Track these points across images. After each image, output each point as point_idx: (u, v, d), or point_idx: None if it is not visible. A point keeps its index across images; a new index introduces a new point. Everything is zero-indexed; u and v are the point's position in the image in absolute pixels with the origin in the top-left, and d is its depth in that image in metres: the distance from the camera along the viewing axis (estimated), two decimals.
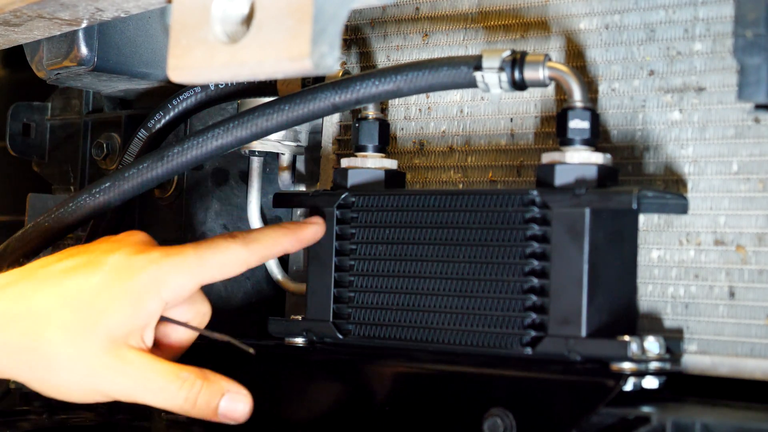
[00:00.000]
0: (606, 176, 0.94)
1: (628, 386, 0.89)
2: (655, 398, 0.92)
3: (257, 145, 1.17)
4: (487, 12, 1.08)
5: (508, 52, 0.94)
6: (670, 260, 0.97)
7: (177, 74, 0.89)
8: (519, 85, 0.95)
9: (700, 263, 0.96)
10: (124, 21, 1.20)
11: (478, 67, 0.94)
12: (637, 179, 0.99)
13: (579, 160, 0.94)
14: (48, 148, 1.39)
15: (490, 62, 0.94)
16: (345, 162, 1.07)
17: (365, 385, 1.01)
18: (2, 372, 0.97)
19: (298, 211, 1.20)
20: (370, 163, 1.06)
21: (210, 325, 1.01)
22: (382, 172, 1.06)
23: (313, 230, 1.03)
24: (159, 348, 0.99)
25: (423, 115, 1.12)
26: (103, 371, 0.94)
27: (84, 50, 1.19)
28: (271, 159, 1.22)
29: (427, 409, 0.97)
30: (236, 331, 1.16)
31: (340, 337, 1.04)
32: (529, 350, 0.94)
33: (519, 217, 0.95)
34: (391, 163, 1.07)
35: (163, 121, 1.19)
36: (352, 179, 1.06)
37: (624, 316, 0.94)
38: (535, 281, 0.94)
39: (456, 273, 0.98)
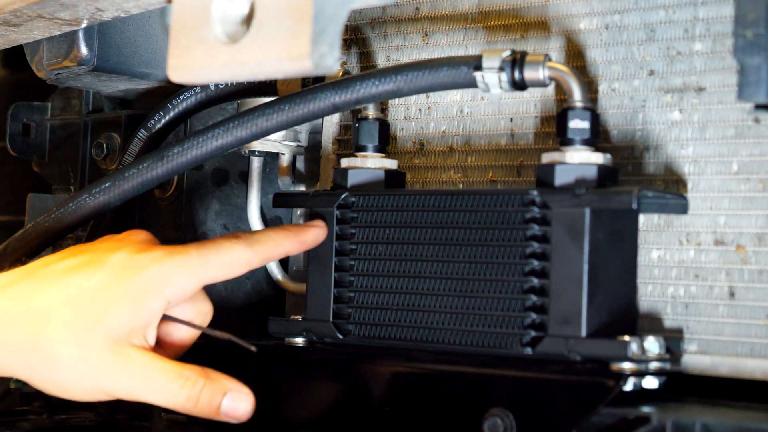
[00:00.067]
0: (606, 176, 0.94)
1: (628, 386, 0.89)
2: (655, 398, 0.92)
3: (257, 145, 1.17)
4: (487, 12, 1.08)
5: (508, 52, 0.94)
6: (670, 260, 0.97)
7: (177, 74, 0.89)
8: (519, 85, 0.95)
9: (700, 263, 0.96)
10: (124, 21, 1.20)
11: (478, 67, 0.94)
12: (637, 179, 0.99)
13: (579, 160, 0.94)
14: (48, 148, 1.39)
15: (490, 62, 0.94)
16: (345, 162, 1.07)
17: (365, 385, 1.01)
18: (5, 370, 0.97)
19: (298, 211, 1.20)
20: (370, 163, 1.06)
21: (211, 325, 1.01)
22: (382, 172, 1.06)
23: (315, 233, 1.03)
24: (161, 347, 1.00)
25: (423, 115, 1.12)
26: (106, 370, 0.94)
27: (84, 50, 1.19)
28: (271, 159, 1.22)
29: (427, 409, 0.97)
30: (237, 331, 1.17)
31: (340, 337, 1.04)
32: (529, 350, 0.94)
33: (519, 217, 0.95)
34: (391, 163, 1.07)
35: (163, 121, 1.19)
36: (352, 179, 1.06)
37: (624, 316, 0.94)
38: (535, 281, 0.94)
39: (456, 273, 0.98)
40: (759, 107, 0.91)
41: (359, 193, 1.04)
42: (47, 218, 1.10)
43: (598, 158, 0.95)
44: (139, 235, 0.99)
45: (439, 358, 0.98)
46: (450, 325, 0.98)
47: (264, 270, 1.22)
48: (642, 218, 0.97)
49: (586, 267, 0.92)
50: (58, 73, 1.22)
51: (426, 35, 1.11)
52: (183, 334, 1.01)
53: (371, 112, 1.07)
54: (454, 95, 1.10)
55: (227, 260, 0.98)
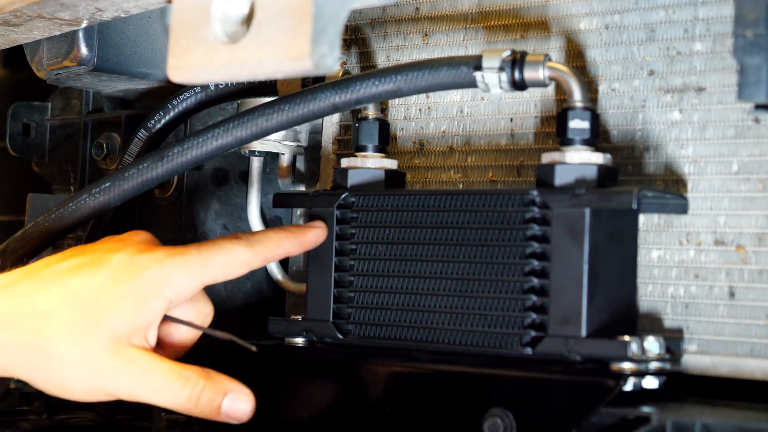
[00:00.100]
0: (606, 176, 0.94)
1: (628, 386, 0.89)
2: (655, 398, 0.92)
3: (257, 145, 1.17)
4: (487, 12, 1.08)
5: (508, 52, 0.94)
6: (670, 260, 0.97)
7: (177, 74, 0.89)
8: (519, 85, 0.95)
9: (700, 263, 0.96)
10: (124, 21, 1.20)
11: (478, 67, 0.94)
12: (637, 179, 0.99)
13: (579, 160, 0.94)
14: (48, 148, 1.39)
15: (490, 62, 0.94)
16: (345, 162, 1.07)
17: (365, 385, 1.01)
18: (5, 370, 0.97)
19: (298, 211, 1.20)
20: (370, 163, 1.06)
21: (212, 325, 1.01)
22: (382, 172, 1.06)
23: (315, 234, 1.03)
24: (162, 347, 1.00)
25: (423, 115, 1.12)
26: (106, 370, 0.94)
27: (84, 50, 1.19)
28: (271, 159, 1.22)
29: (427, 409, 0.97)
30: (237, 331, 1.16)
31: (340, 337, 1.04)
32: (529, 350, 0.94)
33: (519, 217, 0.95)
34: (391, 163, 1.07)
35: (163, 121, 1.19)
36: (352, 179, 1.06)
37: (624, 316, 0.94)
38: (535, 281, 0.94)
39: (456, 273, 0.98)
40: (759, 107, 0.91)
41: (359, 193, 1.04)
42: (47, 218, 1.10)
43: (598, 158, 0.95)
44: (140, 236, 0.99)
45: (439, 358, 0.98)
46: (450, 325, 0.98)
47: (264, 270, 1.22)
48: (642, 218, 0.97)
49: (586, 267, 0.92)
50: (58, 73, 1.22)
51: (426, 35, 1.11)
52: (184, 335, 1.01)
53: (371, 112, 1.07)
54: (454, 95, 1.10)
55: (228, 261, 0.98)
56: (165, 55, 0.92)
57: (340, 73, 1.12)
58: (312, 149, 1.20)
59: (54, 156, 1.39)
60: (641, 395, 0.92)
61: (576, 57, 1.02)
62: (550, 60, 0.94)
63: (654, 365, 0.91)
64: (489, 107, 1.07)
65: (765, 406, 0.91)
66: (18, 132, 1.39)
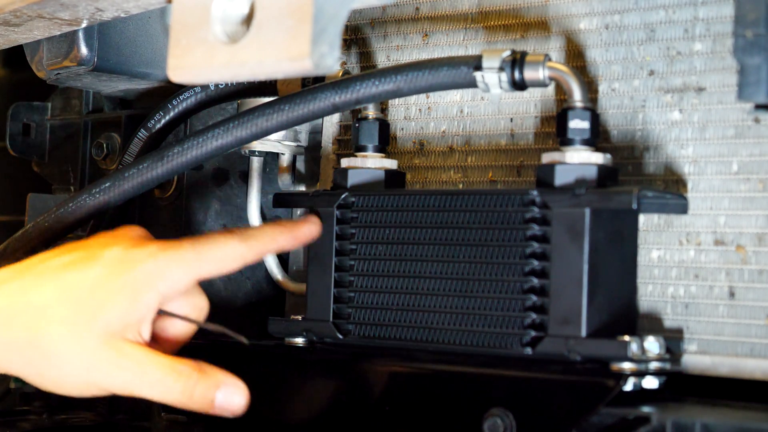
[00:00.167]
0: (606, 176, 0.94)
1: (628, 386, 0.89)
2: (655, 398, 0.92)
3: (257, 145, 1.17)
4: (487, 12, 1.08)
5: (508, 52, 0.94)
6: (670, 260, 0.97)
7: (177, 74, 0.89)
8: (519, 85, 0.95)
9: (700, 263, 0.96)
10: (124, 21, 1.20)
11: (478, 67, 0.94)
12: (637, 179, 0.99)
13: (579, 160, 0.94)
14: (48, 148, 1.39)
15: (490, 62, 0.94)
16: (345, 162, 1.07)
17: (365, 385, 1.01)
18: (1, 367, 0.97)
19: (298, 211, 1.20)
20: (370, 163, 1.06)
21: (213, 323, 1.01)
22: (382, 172, 1.06)
23: (309, 228, 1.03)
24: (157, 342, 0.99)
25: (423, 115, 1.12)
26: (101, 365, 0.94)
27: (84, 50, 1.19)
28: (271, 159, 1.22)
29: (427, 409, 0.97)
30: (237, 331, 1.16)
31: (340, 337, 1.04)
32: (529, 350, 0.94)
33: (519, 217, 0.95)
34: (391, 163, 1.07)
35: (163, 121, 1.19)
36: (352, 179, 1.06)
37: (624, 316, 0.94)
38: (535, 281, 0.94)
39: (456, 273, 0.98)
40: (759, 107, 0.91)
41: (359, 193, 1.04)
42: (47, 218, 1.10)
43: (598, 158, 0.95)
44: (134, 231, 0.99)
45: (439, 358, 0.98)
46: (450, 325, 0.98)
47: (264, 270, 1.22)
48: (642, 218, 0.97)
49: (586, 267, 0.92)
50: (58, 73, 1.22)
51: (426, 35, 1.11)
52: (179, 330, 1.00)
53: (371, 112, 1.07)
54: (454, 95, 1.10)
55: (221, 255, 0.97)
56: (165, 55, 0.92)
57: (340, 73, 1.12)
58: (312, 149, 1.20)
59: (54, 156, 1.39)
60: (641, 395, 0.92)
61: (576, 57, 1.02)
62: (550, 60, 0.94)
63: (654, 365, 0.91)
64: (489, 107, 1.07)
65: (765, 406, 0.91)
66: (18, 132, 1.39)
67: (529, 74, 0.94)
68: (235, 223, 1.26)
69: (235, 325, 1.15)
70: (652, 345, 0.91)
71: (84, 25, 1.10)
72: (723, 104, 0.95)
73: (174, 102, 1.19)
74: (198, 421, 1.09)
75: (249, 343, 0.99)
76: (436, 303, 0.99)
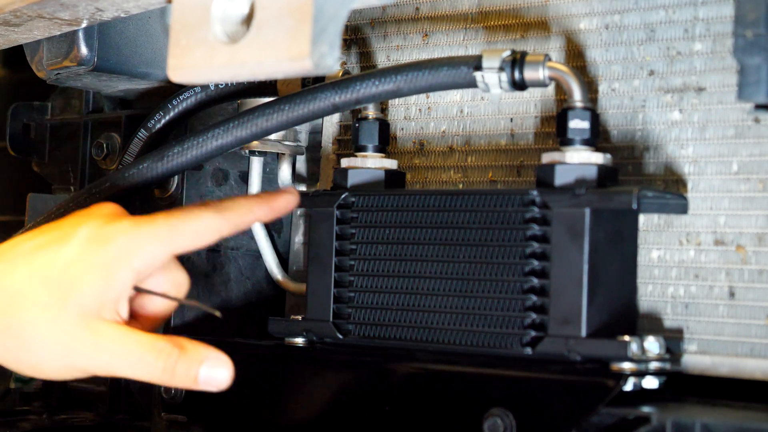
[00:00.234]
0: (606, 176, 0.94)
1: (628, 386, 0.89)
2: (655, 398, 0.92)
3: (257, 145, 1.17)
4: (487, 12, 1.08)
5: (508, 52, 0.94)
6: (670, 260, 0.97)
7: (177, 74, 0.89)
8: (519, 85, 0.95)
9: (700, 263, 0.96)
10: (124, 21, 1.20)
11: (478, 67, 0.94)
12: (637, 179, 0.99)
13: (579, 160, 0.94)
14: (48, 148, 1.39)
15: (490, 62, 0.94)
16: (345, 162, 1.07)
17: (365, 385, 1.01)
18: None
19: (298, 211, 1.20)
20: (370, 163, 1.06)
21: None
22: (382, 172, 1.06)
23: (286, 200, 1.00)
24: (136, 320, 0.97)
25: (423, 115, 1.12)
26: (79, 347, 0.92)
27: (84, 50, 1.19)
28: (271, 159, 1.22)
29: (427, 409, 0.97)
30: (237, 331, 1.17)
31: (340, 337, 1.04)
32: (529, 350, 0.94)
33: (519, 217, 0.95)
34: (391, 163, 1.07)
35: (163, 121, 1.19)
36: (352, 179, 1.06)
37: (624, 316, 0.94)
38: (535, 281, 0.94)
39: (456, 273, 0.98)
40: (759, 107, 0.91)
41: (359, 193, 1.04)
42: (47, 218, 1.09)
43: (598, 158, 0.95)
44: (107, 208, 0.97)
45: (439, 358, 0.98)
46: (450, 325, 0.98)
47: (264, 270, 1.22)
48: (642, 218, 0.97)
49: (586, 267, 0.92)
50: (58, 73, 1.22)
51: (426, 35, 1.11)
52: (158, 306, 0.98)
53: (371, 112, 1.07)
54: (454, 95, 1.10)
55: (197, 228, 0.95)
56: (165, 55, 0.92)
57: (340, 73, 1.12)
58: (312, 149, 1.20)
59: (54, 156, 1.39)
60: (641, 395, 0.92)
61: (576, 57, 1.02)
62: (550, 60, 0.94)
63: (654, 365, 0.91)
64: (489, 107, 1.07)
65: (765, 406, 0.91)
66: (18, 132, 1.39)
67: (529, 74, 0.94)
68: None
69: (235, 324, 1.16)
70: (652, 345, 0.91)
71: (84, 25, 1.10)
72: (723, 104, 0.95)
73: (174, 102, 1.19)
74: (198, 421, 1.09)
75: (221, 316, 0.97)
76: (436, 303, 0.99)
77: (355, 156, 1.07)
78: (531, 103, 1.05)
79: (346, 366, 1.02)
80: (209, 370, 0.92)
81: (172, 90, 1.20)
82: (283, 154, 1.20)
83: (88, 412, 1.28)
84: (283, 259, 1.21)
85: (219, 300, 1.22)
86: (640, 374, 0.90)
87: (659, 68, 0.98)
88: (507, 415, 0.92)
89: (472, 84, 0.95)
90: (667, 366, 0.92)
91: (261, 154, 1.20)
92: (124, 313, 0.94)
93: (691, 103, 0.97)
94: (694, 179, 0.96)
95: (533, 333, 0.94)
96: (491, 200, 0.97)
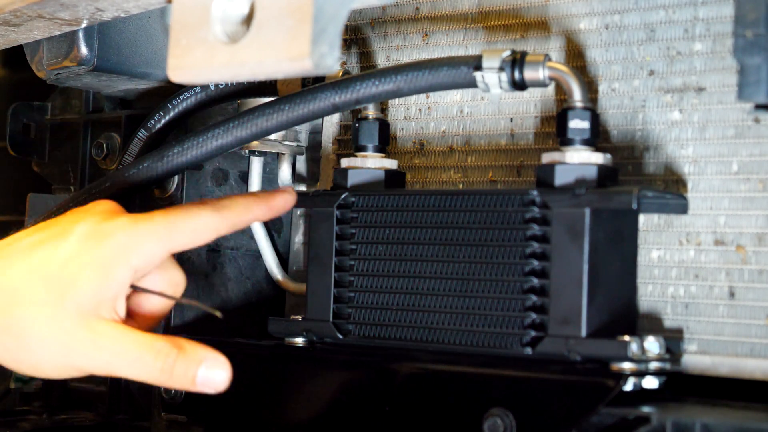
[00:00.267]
0: (606, 176, 0.94)
1: (628, 386, 0.89)
2: (655, 398, 0.92)
3: (257, 145, 1.17)
4: (487, 12, 1.08)
5: (508, 52, 0.94)
6: (670, 260, 0.97)
7: (177, 74, 0.89)
8: (519, 85, 0.95)
9: (700, 263, 0.96)
10: (124, 21, 1.20)
11: (478, 67, 0.94)
12: (637, 179, 0.99)
13: (579, 160, 0.94)
14: (48, 148, 1.39)
15: (490, 62, 0.94)
16: (345, 162, 1.07)
17: (365, 385, 1.01)
18: None
19: (298, 211, 1.20)
20: (370, 163, 1.06)
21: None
22: (382, 172, 1.06)
23: (284, 199, 1.00)
24: (133, 319, 0.97)
25: (423, 115, 1.12)
26: (77, 346, 0.91)
27: (84, 50, 1.19)
28: (271, 159, 1.22)
29: (427, 409, 0.97)
30: (237, 331, 1.17)
31: (340, 337, 1.04)
32: (529, 350, 0.94)
33: (519, 217, 0.95)
34: (391, 163, 1.07)
35: (163, 121, 1.19)
36: (352, 179, 1.06)
37: (624, 316, 0.94)
38: (535, 281, 0.94)
39: (456, 273, 0.98)
40: (759, 107, 0.91)
41: (359, 193, 1.04)
42: (47, 218, 1.09)
43: (598, 158, 0.95)
44: (104, 205, 0.96)
45: (439, 358, 0.98)
46: (450, 325, 0.98)
47: (264, 270, 1.22)
48: (642, 218, 0.97)
49: (586, 267, 0.92)
50: (58, 73, 1.22)
51: (426, 35, 1.11)
52: (155, 305, 0.97)
53: (371, 112, 1.07)
54: (454, 95, 1.10)
55: (195, 226, 0.94)
56: (165, 55, 0.92)
57: (340, 73, 1.12)
58: (312, 149, 1.20)
59: (54, 156, 1.39)
60: (641, 395, 0.92)
61: (576, 57, 1.02)
62: (550, 60, 0.94)
63: (654, 365, 0.91)
64: (489, 107, 1.07)
65: (765, 406, 0.91)
66: (18, 132, 1.39)
67: (529, 74, 0.94)
68: None
69: (235, 324, 1.16)
70: (652, 345, 0.91)
71: (84, 25, 1.10)
72: (723, 104, 0.95)
73: (174, 102, 1.19)
74: (198, 421, 1.09)
75: (221, 316, 0.96)
76: (436, 303, 0.99)
77: (355, 156, 1.07)
78: (531, 103, 1.05)
79: (346, 366, 1.02)
80: (207, 371, 0.92)
81: (172, 90, 1.20)
82: (283, 154, 1.20)
83: (88, 412, 1.28)
84: (283, 259, 1.21)
85: (219, 300, 1.22)
86: (640, 374, 0.90)
87: (659, 68, 0.98)
88: (507, 415, 0.92)
89: (472, 84, 0.95)
90: (667, 366, 0.92)
91: (261, 154, 1.20)
92: (122, 311, 0.93)
93: (691, 103, 0.97)
94: (694, 179, 0.96)
95: (533, 333, 0.94)
96: (491, 200, 0.97)
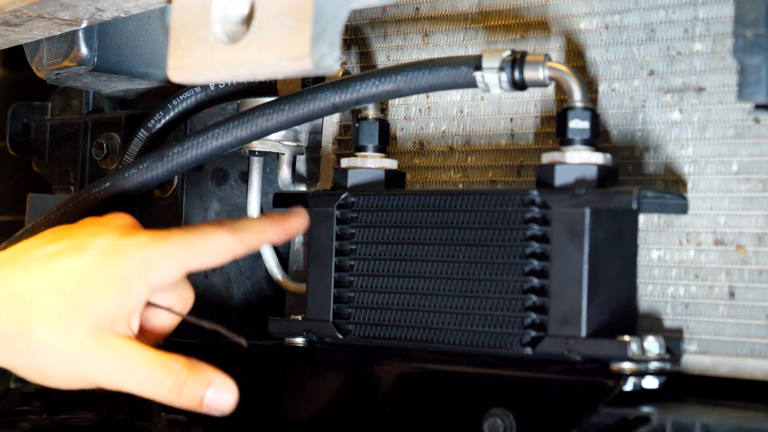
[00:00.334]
0: (606, 176, 0.94)
1: (628, 386, 0.89)
2: (655, 398, 0.92)
3: (257, 145, 1.17)
4: (487, 12, 1.08)
5: (508, 52, 0.94)
6: (670, 260, 0.97)
7: (177, 74, 0.89)
8: (519, 85, 0.95)
9: (700, 263, 0.96)
10: (124, 21, 1.20)
11: (478, 67, 0.94)
12: (637, 179, 0.99)
13: (579, 160, 0.94)
14: (48, 148, 1.39)
15: (490, 62, 0.94)
16: (345, 162, 1.07)
17: (365, 385, 1.01)
18: None
19: None
20: (370, 163, 1.06)
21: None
22: (382, 172, 1.06)
23: (297, 222, 1.02)
24: (141, 333, 0.97)
25: (423, 115, 1.12)
26: (90, 359, 0.92)
27: (84, 50, 1.19)
28: (271, 159, 1.22)
29: (427, 409, 0.97)
30: (237, 331, 1.16)
31: (340, 337, 1.04)
32: (529, 350, 0.94)
33: (519, 217, 0.95)
34: (391, 163, 1.07)
35: (163, 121, 1.19)
36: (352, 179, 1.06)
37: (624, 316, 0.94)
38: (535, 281, 0.94)
39: (456, 273, 0.98)
40: (759, 107, 0.91)
41: (359, 193, 1.04)
42: (47, 218, 1.09)
43: (598, 158, 0.95)
44: (122, 219, 0.97)
45: (439, 358, 0.98)
46: (450, 325, 0.98)
47: (264, 270, 1.22)
48: (642, 218, 0.97)
49: (586, 267, 0.92)
50: (58, 73, 1.22)
51: (426, 35, 1.11)
52: (163, 321, 0.98)
53: (371, 112, 1.07)
54: (454, 95, 1.10)
55: (212, 247, 0.95)
56: (165, 55, 0.92)
57: (340, 73, 1.12)
58: (312, 149, 1.20)
59: (54, 156, 1.39)
60: (641, 395, 0.92)
61: (576, 57, 1.02)
62: (550, 60, 0.94)
63: (654, 365, 0.91)
64: (489, 107, 1.07)
65: (765, 406, 0.91)
66: (18, 132, 1.39)
67: (529, 74, 0.94)
68: None
69: (235, 325, 1.15)
70: (652, 345, 0.91)
71: (84, 25, 1.10)
72: (723, 104, 0.95)
73: (174, 102, 1.19)
74: (198, 421, 1.09)
75: (247, 344, 0.98)
76: (436, 303, 0.99)
77: (355, 156, 1.07)
78: (531, 103, 1.05)
79: (346, 366, 1.02)
80: (214, 393, 0.93)
81: (172, 90, 1.20)
82: (283, 154, 1.20)
83: (88, 412, 1.28)
84: (283, 259, 1.21)
85: (219, 300, 1.22)
86: (640, 374, 0.90)
87: (659, 68, 0.98)
88: (507, 415, 0.92)
89: (472, 84, 0.95)
90: (667, 366, 0.92)
91: (261, 154, 1.20)
92: (135, 327, 0.95)
93: (691, 103, 0.97)
94: (694, 179, 0.96)
95: (533, 333, 0.94)
96: (491, 200, 0.97)
